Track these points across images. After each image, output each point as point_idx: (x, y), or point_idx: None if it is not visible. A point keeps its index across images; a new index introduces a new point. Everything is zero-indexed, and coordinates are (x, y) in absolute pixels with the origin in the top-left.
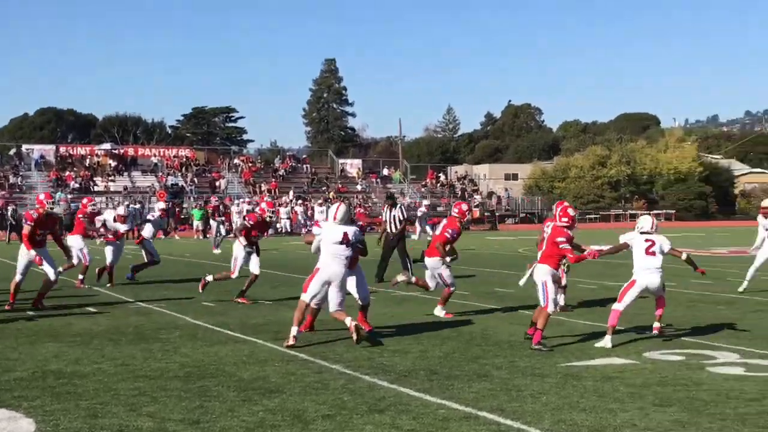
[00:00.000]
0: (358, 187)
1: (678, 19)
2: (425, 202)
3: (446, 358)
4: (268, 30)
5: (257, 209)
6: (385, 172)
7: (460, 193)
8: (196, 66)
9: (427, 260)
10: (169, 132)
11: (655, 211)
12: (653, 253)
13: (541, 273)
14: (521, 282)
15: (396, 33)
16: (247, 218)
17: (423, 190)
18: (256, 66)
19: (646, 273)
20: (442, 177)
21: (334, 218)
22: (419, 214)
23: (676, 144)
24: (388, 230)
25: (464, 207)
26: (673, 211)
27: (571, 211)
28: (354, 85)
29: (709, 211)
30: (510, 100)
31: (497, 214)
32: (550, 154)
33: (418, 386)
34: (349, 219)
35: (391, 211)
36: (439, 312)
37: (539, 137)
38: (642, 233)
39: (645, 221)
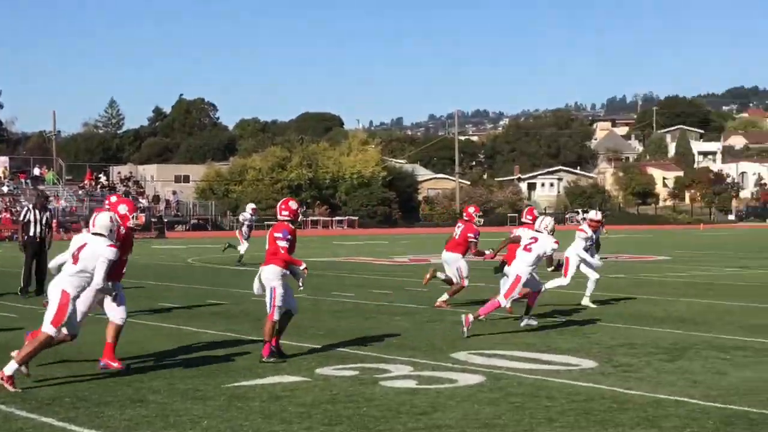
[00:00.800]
0: (5, 189)
1: (361, 20)
2: (251, 205)
3: (97, 382)
4: None
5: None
6: (37, 171)
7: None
8: None
9: (446, 254)
10: None
11: (338, 218)
12: (529, 250)
13: (270, 276)
14: (255, 289)
15: (51, 14)
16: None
17: (81, 192)
18: None
19: (516, 263)
20: (103, 178)
21: (93, 225)
22: (242, 219)
23: (359, 147)
24: (33, 234)
25: (471, 210)
26: (356, 218)
27: (293, 205)
28: (0, 73)
29: (392, 218)
30: (182, 94)
31: (165, 219)
32: (225, 155)
33: (62, 415)
34: (113, 231)
35: (41, 213)
36: (443, 300)
37: (214, 136)
38: (536, 231)
39: (538, 220)
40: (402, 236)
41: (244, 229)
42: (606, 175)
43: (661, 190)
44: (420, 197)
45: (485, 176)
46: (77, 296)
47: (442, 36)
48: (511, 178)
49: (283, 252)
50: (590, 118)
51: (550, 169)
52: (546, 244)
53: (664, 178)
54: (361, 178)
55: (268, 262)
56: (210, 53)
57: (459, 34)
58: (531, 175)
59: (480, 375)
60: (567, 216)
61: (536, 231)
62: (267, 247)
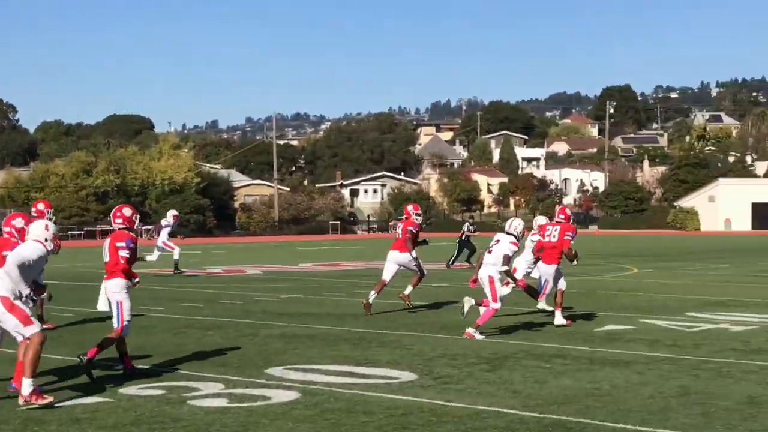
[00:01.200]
0: None
1: (173, 20)
2: (173, 212)
3: None
4: None
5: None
6: None
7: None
8: None
9: (399, 255)
10: None
11: (147, 227)
12: (490, 251)
13: (116, 290)
14: (100, 305)
15: None
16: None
17: None
18: None
19: (482, 267)
20: None
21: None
22: (164, 224)
23: (171, 151)
24: None
25: (410, 208)
26: None
27: (126, 212)
28: None
29: (207, 227)
30: None
31: None
32: (26, 159)
33: None
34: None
35: None
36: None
37: (13, 139)
38: (506, 233)
39: (508, 222)
40: (217, 246)
41: (164, 234)
42: (431, 181)
43: (486, 197)
44: (236, 204)
45: (306, 182)
46: (18, 297)
47: (259, 35)
48: (333, 184)
49: (123, 262)
50: (414, 122)
51: (374, 175)
52: (504, 246)
53: (488, 185)
54: (173, 184)
55: (111, 275)
56: (9, 50)
57: (277, 34)
58: (353, 181)
59: (295, 391)
60: (390, 224)
61: (506, 233)
62: (107, 259)
